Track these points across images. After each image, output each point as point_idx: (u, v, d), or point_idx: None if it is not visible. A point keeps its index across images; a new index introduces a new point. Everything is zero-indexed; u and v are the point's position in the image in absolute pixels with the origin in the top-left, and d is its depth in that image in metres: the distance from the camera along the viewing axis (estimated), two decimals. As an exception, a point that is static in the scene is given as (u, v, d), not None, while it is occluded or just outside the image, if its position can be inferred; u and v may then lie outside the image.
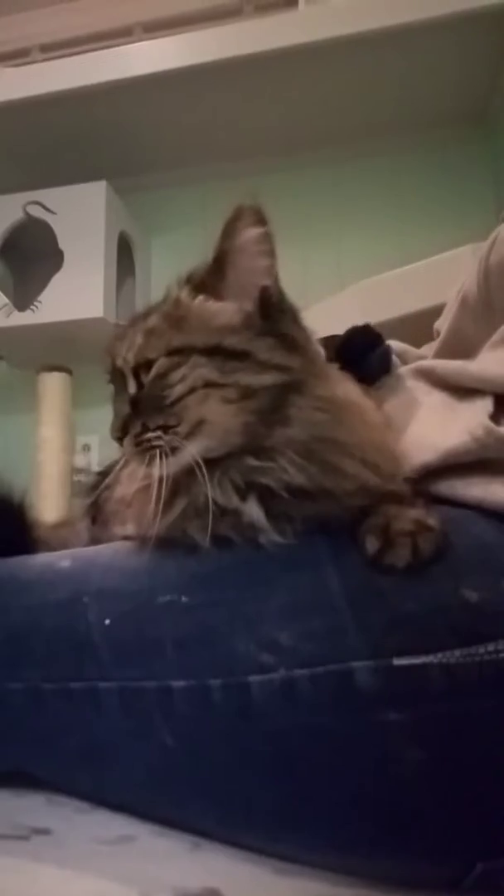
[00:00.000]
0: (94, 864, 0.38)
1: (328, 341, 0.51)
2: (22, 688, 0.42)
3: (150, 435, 0.41)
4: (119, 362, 0.44)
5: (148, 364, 0.42)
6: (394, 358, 0.61)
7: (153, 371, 0.42)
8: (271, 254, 0.42)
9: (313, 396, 0.41)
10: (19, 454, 1.36)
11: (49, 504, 1.26)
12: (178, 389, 0.41)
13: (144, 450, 0.41)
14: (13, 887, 0.37)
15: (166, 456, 0.40)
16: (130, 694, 0.39)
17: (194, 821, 0.41)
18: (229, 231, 0.42)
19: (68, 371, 1.32)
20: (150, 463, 0.41)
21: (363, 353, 0.56)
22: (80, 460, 1.39)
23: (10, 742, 0.45)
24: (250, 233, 0.41)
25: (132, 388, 0.43)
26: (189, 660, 0.38)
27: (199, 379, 0.40)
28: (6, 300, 1.27)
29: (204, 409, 0.40)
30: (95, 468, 1.37)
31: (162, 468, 0.40)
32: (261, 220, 0.42)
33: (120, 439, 0.43)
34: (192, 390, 0.40)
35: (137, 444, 0.41)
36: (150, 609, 0.40)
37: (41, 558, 0.50)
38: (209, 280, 0.43)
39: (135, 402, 0.43)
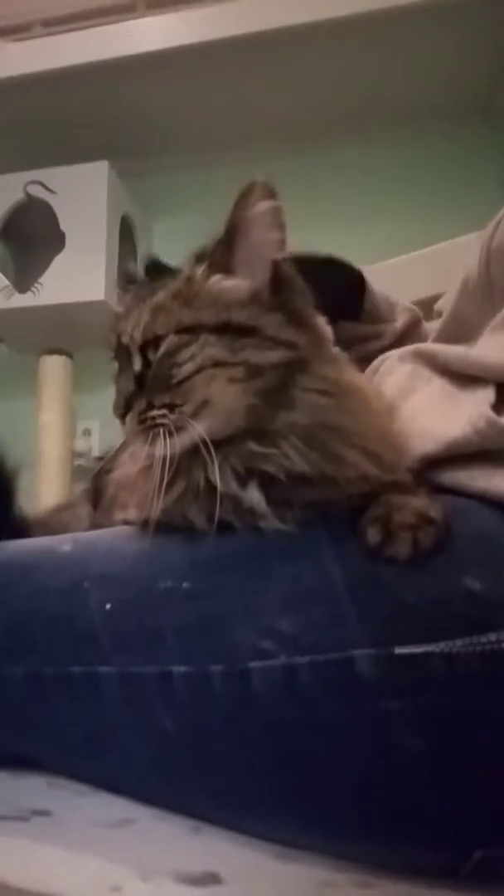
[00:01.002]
0: (94, 847, 0.39)
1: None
2: (22, 673, 0.42)
3: (155, 412, 0.40)
4: (125, 339, 0.43)
5: (156, 341, 0.41)
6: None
7: (162, 348, 0.41)
8: (282, 227, 0.42)
9: (318, 377, 0.41)
10: (19, 439, 1.35)
11: (49, 489, 1.26)
12: (187, 368, 0.40)
13: (148, 427, 0.40)
14: (13, 868, 0.38)
15: (170, 435, 0.40)
16: (131, 680, 0.39)
17: (195, 806, 0.41)
18: (241, 204, 0.41)
19: (69, 355, 1.31)
20: (152, 442, 0.40)
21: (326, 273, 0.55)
22: (80, 445, 1.39)
23: (10, 727, 0.45)
24: (262, 205, 0.41)
25: (138, 365, 0.42)
26: (190, 646, 0.38)
27: (208, 358, 0.40)
28: (6, 282, 1.26)
29: (210, 389, 0.40)
30: (96, 453, 1.37)
31: (165, 447, 0.40)
32: (272, 194, 0.41)
33: (123, 416, 0.42)
34: (200, 369, 0.40)
35: (141, 422, 0.41)
36: (151, 595, 0.40)
37: (42, 542, 0.50)
38: (220, 253, 0.43)
39: (140, 380, 0.42)
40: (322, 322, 0.46)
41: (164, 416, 0.40)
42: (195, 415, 0.40)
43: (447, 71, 1.22)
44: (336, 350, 0.46)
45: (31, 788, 0.45)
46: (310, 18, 1.10)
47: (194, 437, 0.40)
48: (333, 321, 0.49)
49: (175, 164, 1.44)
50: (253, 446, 0.40)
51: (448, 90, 1.27)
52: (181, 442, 0.40)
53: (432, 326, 0.68)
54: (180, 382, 0.40)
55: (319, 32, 1.11)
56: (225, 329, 0.40)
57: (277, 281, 0.42)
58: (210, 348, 0.40)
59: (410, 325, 0.65)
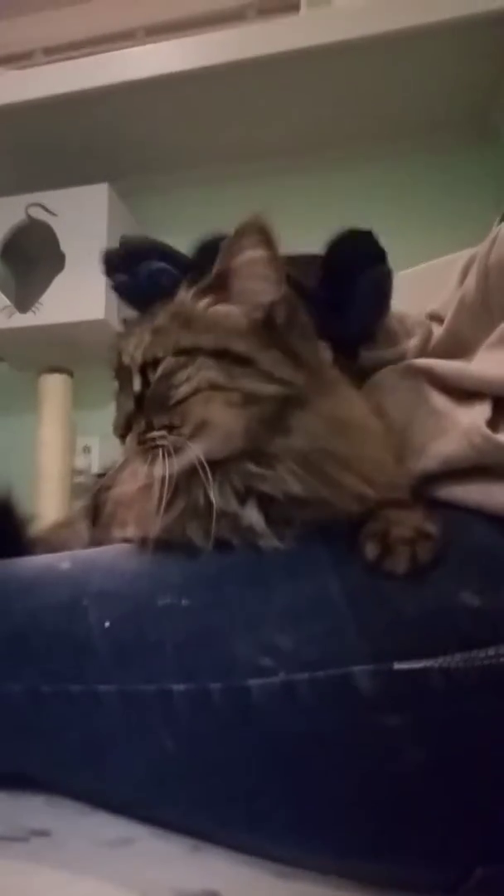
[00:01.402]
0: (94, 866, 0.38)
1: (294, 261, 0.45)
2: (21, 689, 0.42)
3: (154, 434, 0.41)
4: (126, 359, 0.44)
5: (155, 362, 0.42)
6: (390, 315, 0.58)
7: (160, 370, 0.42)
8: (271, 277, 0.42)
9: (315, 413, 0.42)
10: (20, 455, 1.35)
11: (49, 505, 1.26)
12: (184, 390, 0.41)
13: (147, 448, 0.41)
14: (12, 889, 0.37)
15: (169, 455, 0.40)
16: (130, 696, 0.39)
17: (194, 823, 0.41)
18: (232, 249, 0.42)
19: (69, 373, 1.32)
20: (152, 462, 0.41)
21: (351, 273, 0.52)
22: (80, 462, 1.39)
23: (9, 743, 0.45)
24: (250, 255, 0.41)
25: (138, 385, 0.43)
26: (189, 663, 0.38)
27: (205, 381, 0.41)
28: (7, 302, 1.27)
29: (208, 410, 0.40)
30: (96, 470, 1.38)
31: (165, 468, 0.40)
32: (263, 240, 0.41)
33: (123, 436, 0.43)
34: (196, 391, 0.40)
35: (141, 443, 0.42)
36: (150, 612, 0.40)
37: (41, 560, 0.50)
38: (216, 288, 0.44)
39: (139, 400, 0.43)
40: (322, 352, 0.46)
41: (163, 437, 0.41)
42: (193, 435, 0.40)
43: (443, 88, 1.24)
44: (335, 380, 0.46)
45: (31, 808, 0.45)
46: (306, 43, 1.13)
47: (192, 458, 0.40)
48: (353, 350, 0.49)
49: (174, 184, 1.46)
50: (251, 467, 0.41)
51: (444, 107, 1.29)
52: (180, 462, 0.41)
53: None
54: (178, 403, 0.41)
55: (316, 55, 1.14)
56: (223, 355, 0.41)
57: (271, 322, 0.42)
58: (207, 371, 0.41)
59: (425, 342, 0.64)
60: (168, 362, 0.42)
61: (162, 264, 0.50)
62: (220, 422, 0.40)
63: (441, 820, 0.34)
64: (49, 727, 0.42)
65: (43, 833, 0.42)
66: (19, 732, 0.44)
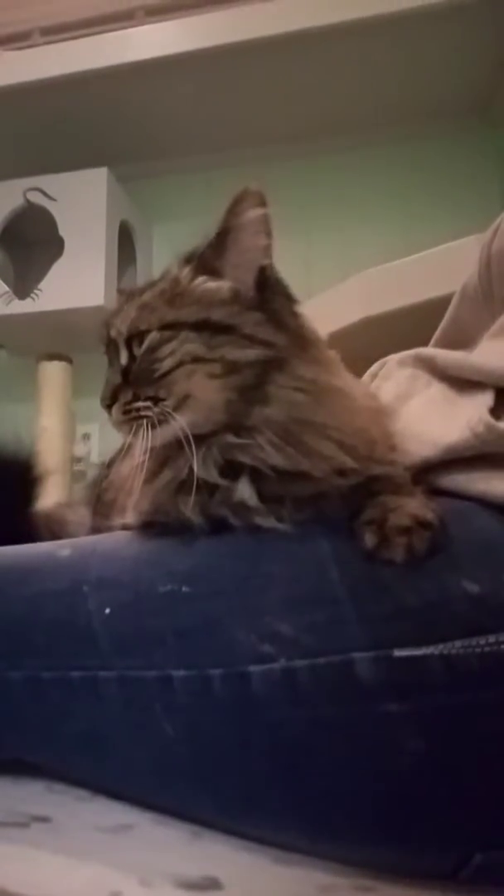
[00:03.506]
0: (94, 852, 0.39)
1: None
2: (22, 677, 0.42)
3: (139, 404, 0.42)
4: (113, 333, 0.45)
5: (140, 336, 0.44)
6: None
7: (145, 344, 0.43)
8: (270, 235, 0.43)
9: (294, 376, 0.42)
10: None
11: (49, 492, 1.26)
12: (168, 363, 0.42)
13: (132, 419, 0.43)
14: (13, 874, 0.38)
15: (153, 427, 0.42)
16: (130, 683, 0.39)
17: (194, 810, 0.41)
18: (234, 209, 0.43)
19: (68, 360, 1.32)
20: (136, 432, 0.42)
21: None
22: (79, 449, 1.39)
23: (10, 731, 0.45)
24: (254, 212, 0.43)
25: (124, 359, 0.45)
26: (189, 649, 0.38)
27: (188, 354, 0.42)
28: (6, 288, 1.27)
29: (190, 383, 0.41)
30: (95, 457, 1.38)
31: (148, 439, 0.42)
32: (263, 202, 0.43)
33: (109, 407, 0.44)
34: (180, 364, 0.42)
35: (125, 412, 0.43)
36: (150, 599, 0.40)
37: (41, 547, 0.50)
38: (208, 255, 0.44)
39: (126, 373, 0.44)
40: (309, 324, 0.46)
41: (147, 407, 0.42)
42: (177, 408, 0.42)
43: (446, 73, 1.23)
44: (329, 354, 0.47)
45: (31, 794, 0.45)
46: (307, 24, 1.11)
47: (176, 430, 0.41)
48: None
49: (174, 169, 1.44)
50: (231, 438, 0.41)
51: (447, 92, 1.28)
52: (163, 434, 0.42)
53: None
54: (162, 376, 0.42)
55: (317, 38, 1.12)
56: (204, 326, 0.42)
57: (261, 284, 0.43)
58: (189, 344, 0.42)
59: None
60: (153, 337, 0.43)
61: None
62: (201, 395, 0.41)
63: (440, 807, 0.35)
64: (49, 714, 0.42)
65: (43, 819, 0.42)
66: (20, 720, 0.44)
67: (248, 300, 0.43)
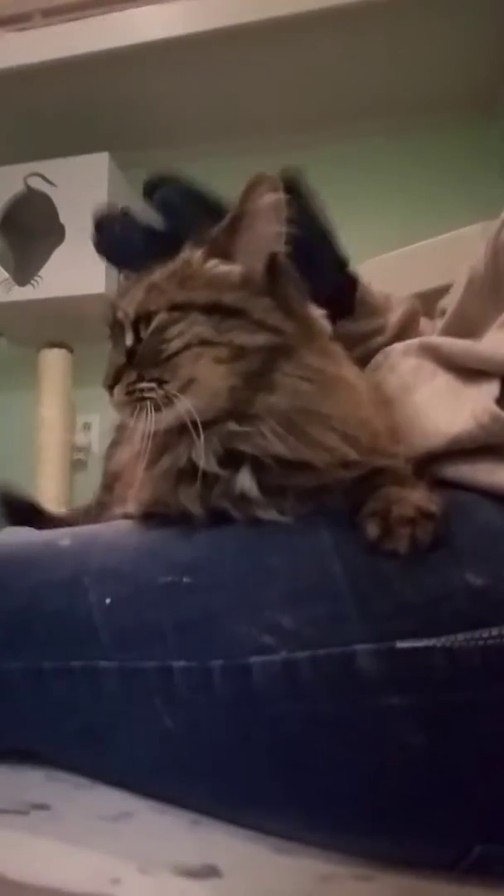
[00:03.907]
0: (93, 840, 0.39)
1: None
2: (22, 667, 0.42)
3: (143, 385, 0.41)
4: (120, 314, 0.45)
5: (148, 317, 0.43)
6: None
7: (153, 324, 0.42)
8: (284, 222, 0.42)
9: (301, 364, 0.41)
10: (19, 432, 1.35)
11: (49, 482, 1.26)
12: (175, 344, 0.41)
13: (135, 399, 0.42)
14: (12, 862, 0.38)
15: (157, 410, 0.41)
16: (130, 674, 0.39)
17: (194, 800, 0.41)
18: (249, 194, 0.42)
19: (69, 348, 1.31)
20: (138, 415, 0.41)
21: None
22: (80, 439, 1.38)
23: (10, 721, 0.45)
24: (269, 198, 0.42)
25: (129, 340, 0.44)
26: (190, 641, 0.38)
27: (196, 336, 0.41)
28: (6, 275, 1.26)
29: (196, 368, 0.41)
30: (96, 448, 1.37)
31: (150, 422, 0.41)
32: (276, 187, 0.42)
33: (111, 388, 0.43)
34: (187, 346, 0.41)
35: (129, 393, 0.42)
36: (151, 590, 0.40)
37: (42, 537, 0.50)
38: (221, 239, 0.43)
39: (131, 354, 0.43)
40: (317, 315, 0.46)
41: (152, 389, 0.41)
42: (181, 391, 0.41)
43: (449, 64, 1.21)
44: (334, 346, 0.46)
45: (31, 782, 0.45)
46: (312, 7, 1.09)
47: (180, 413, 0.40)
48: (332, 319, 0.49)
49: (176, 155, 1.43)
50: (232, 426, 0.41)
51: (451, 82, 1.26)
52: (166, 417, 0.41)
53: (437, 325, 0.67)
54: (169, 358, 0.41)
55: (322, 22, 1.10)
56: (214, 309, 0.41)
57: (272, 270, 0.43)
58: (198, 327, 0.41)
59: (408, 318, 0.64)
60: (161, 317, 0.42)
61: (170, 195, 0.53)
62: (206, 380, 0.41)
63: (441, 799, 0.35)
64: (50, 705, 0.42)
65: (43, 806, 0.42)
66: (21, 710, 0.44)
67: (258, 286, 0.42)
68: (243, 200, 0.42)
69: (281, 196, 0.42)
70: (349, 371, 0.45)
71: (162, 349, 0.41)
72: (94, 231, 0.54)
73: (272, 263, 0.43)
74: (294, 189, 0.51)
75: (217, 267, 0.43)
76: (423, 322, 0.67)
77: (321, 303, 0.48)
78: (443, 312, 0.68)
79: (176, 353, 0.41)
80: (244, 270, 0.43)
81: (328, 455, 0.40)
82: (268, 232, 0.42)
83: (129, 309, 0.44)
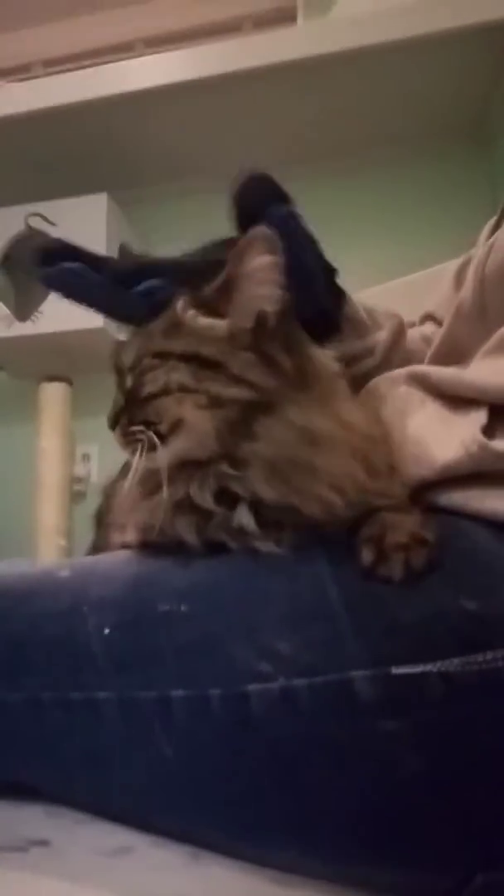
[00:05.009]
0: (93, 876, 0.38)
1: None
2: (21, 697, 0.42)
3: (133, 428, 0.44)
4: (120, 361, 0.47)
5: (139, 363, 0.45)
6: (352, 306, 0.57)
7: (137, 370, 0.45)
8: (276, 282, 0.43)
9: (284, 420, 0.42)
10: (19, 464, 1.36)
11: (49, 513, 1.26)
12: (149, 388, 0.44)
13: (129, 441, 0.44)
14: (12, 900, 0.37)
15: (152, 449, 0.43)
16: (129, 704, 0.39)
17: (194, 830, 0.40)
18: (239, 257, 0.43)
19: (68, 381, 1.33)
20: (134, 454, 0.43)
21: (257, 207, 0.49)
22: (79, 470, 1.39)
23: (9, 751, 0.45)
24: (259, 262, 0.42)
25: (129, 384, 0.46)
26: (188, 669, 0.38)
27: (174, 382, 0.43)
28: (7, 311, 1.28)
29: (182, 409, 0.42)
30: (95, 478, 1.38)
31: (146, 460, 0.43)
32: (272, 248, 0.42)
33: (112, 429, 0.46)
34: (165, 391, 0.43)
35: (124, 435, 0.45)
36: (149, 618, 0.40)
37: (41, 568, 0.50)
38: (213, 299, 0.44)
39: (127, 398, 0.46)
40: (319, 361, 0.46)
41: (141, 431, 0.43)
42: (170, 433, 0.42)
43: (439, 97, 1.25)
44: (337, 389, 0.46)
45: (29, 818, 0.44)
46: (303, 54, 1.14)
47: (175, 452, 0.42)
48: (318, 340, 0.48)
49: (172, 193, 1.47)
50: (225, 468, 0.42)
51: (440, 116, 1.30)
52: (159, 457, 0.42)
53: (423, 330, 0.68)
54: (147, 399, 0.43)
55: (313, 66, 1.15)
56: (192, 359, 0.43)
57: (259, 327, 0.43)
58: (176, 374, 0.43)
59: (397, 336, 0.62)
60: (144, 363, 0.45)
61: (73, 264, 0.50)
62: (193, 422, 0.42)
63: (441, 827, 0.34)
64: (49, 735, 0.42)
65: (42, 843, 0.42)
66: (19, 741, 0.43)
67: (243, 341, 0.43)
68: (233, 263, 0.43)
69: (272, 259, 0.42)
70: (347, 417, 0.44)
71: (141, 392, 0.44)
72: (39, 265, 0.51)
73: (260, 321, 0.43)
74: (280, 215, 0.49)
75: (202, 320, 0.44)
76: (409, 332, 0.65)
77: (306, 320, 0.47)
78: (428, 317, 0.69)
79: (154, 396, 0.43)
80: (230, 326, 0.43)
81: (316, 504, 0.40)
82: (257, 293, 0.43)
83: (126, 357, 0.47)
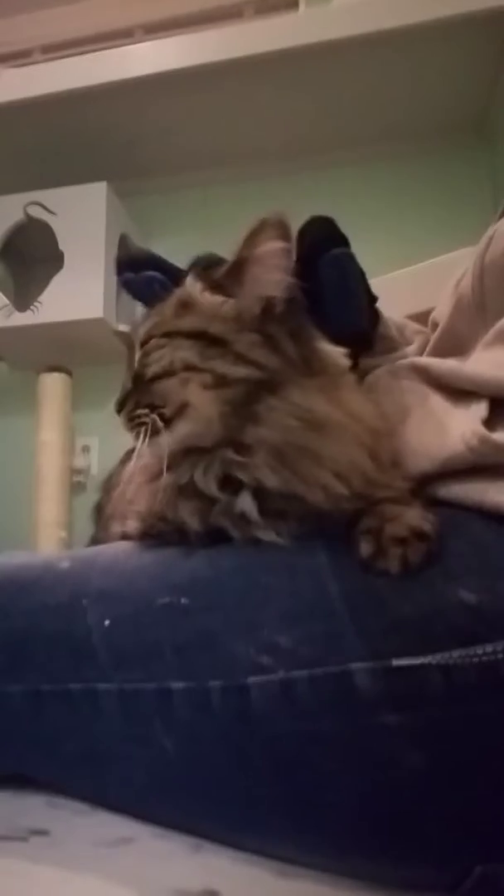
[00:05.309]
0: (94, 866, 0.38)
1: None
2: (21, 690, 0.42)
3: (139, 412, 0.43)
4: (132, 342, 0.47)
5: (148, 343, 0.45)
6: (383, 318, 0.60)
7: (144, 349, 0.45)
8: (286, 268, 0.43)
9: (288, 401, 0.42)
10: (19, 456, 1.36)
11: (48, 506, 1.26)
12: (154, 368, 0.43)
13: (135, 424, 0.44)
14: (12, 889, 0.37)
15: (153, 434, 0.42)
16: (129, 696, 0.39)
17: (194, 823, 0.41)
18: (251, 241, 0.43)
19: (68, 372, 1.32)
20: (138, 438, 0.43)
21: (314, 253, 0.53)
22: (79, 462, 1.39)
23: (10, 745, 0.45)
24: (270, 246, 0.42)
25: (136, 364, 0.46)
26: (188, 662, 0.38)
27: (179, 360, 0.42)
28: (6, 301, 1.27)
29: (187, 392, 0.42)
30: (95, 470, 1.38)
31: (151, 445, 0.42)
32: (284, 234, 0.42)
33: (119, 412, 0.46)
34: (170, 372, 0.42)
35: (130, 419, 0.44)
36: (149, 611, 0.40)
37: (41, 559, 0.50)
38: (223, 279, 0.45)
39: (134, 380, 0.45)
40: (324, 353, 0.46)
41: (146, 414, 0.43)
42: (175, 416, 0.42)
43: (440, 90, 1.24)
44: (344, 382, 0.46)
45: (30, 808, 0.45)
46: (305, 41, 1.13)
47: (179, 437, 0.42)
48: (354, 357, 0.50)
49: (172, 183, 1.46)
50: (230, 455, 0.42)
51: (442, 108, 1.29)
52: (163, 442, 0.42)
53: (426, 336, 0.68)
54: (151, 381, 0.43)
55: (315, 54, 1.13)
56: (199, 336, 0.43)
57: (266, 311, 0.43)
58: (182, 352, 0.43)
59: (423, 350, 0.63)
60: (151, 343, 0.44)
61: (156, 273, 0.54)
62: (199, 405, 0.42)
63: (440, 820, 0.34)
64: (49, 728, 0.42)
65: (42, 833, 0.42)
66: (20, 734, 0.44)
67: (249, 323, 0.43)
68: (245, 246, 0.43)
69: (284, 245, 0.42)
70: (354, 407, 0.44)
71: (146, 373, 0.43)
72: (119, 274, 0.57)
73: (268, 305, 0.43)
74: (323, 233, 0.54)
75: (211, 298, 0.44)
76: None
77: (343, 341, 0.49)
78: (435, 324, 0.69)
79: (158, 377, 0.43)
80: (238, 306, 0.43)
81: (321, 492, 0.40)
82: (266, 278, 0.43)
83: (140, 336, 0.46)
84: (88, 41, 1.53)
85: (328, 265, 0.54)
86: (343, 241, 0.56)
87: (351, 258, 0.56)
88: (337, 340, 0.48)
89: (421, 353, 0.62)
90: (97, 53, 1.25)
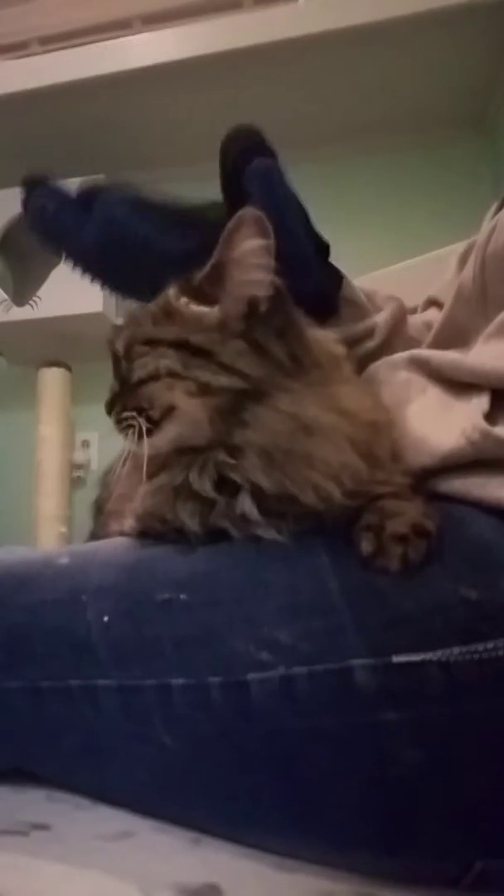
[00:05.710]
0: (94, 861, 0.38)
1: None
2: (21, 687, 0.42)
3: (126, 414, 0.44)
4: (114, 346, 0.47)
5: (130, 349, 0.46)
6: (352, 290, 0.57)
7: (129, 355, 0.45)
8: (267, 267, 0.42)
9: (274, 408, 0.41)
10: (19, 451, 1.36)
11: (48, 500, 1.26)
12: (139, 373, 0.44)
13: (123, 427, 0.44)
14: (12, 883, 0.37)
15: (141, 436, 0.43)
16: (129, 692, 0.39)
17: (194, 818, 0.41)
18: (229, 241, 0.42)
19: (67, 367, 1.32)
20: (129, 440, 0.44)
21: (242, 159, 0.50)
22: (79, 456, 1.39)
23: (10, 741, 0.45)
24: (249, 245, 0.41)
25: (122, 370, 0.46)
26: (188, 658, 0.38)
27: (163, 368, 0.43)
28: (5, 296, 1.27)
29: (173, 396, 0.42)
30: (95, 465, 1.38)
31: (141, 446, 0.43)
32: (262, 231, 0.41)
33: (109, 414, 0.46)
34: (154, 377, 0.43)
35: (118, 422, 0.45)
36: (148, 607, 0.40)
37: (40, 555, 0.50)
38: (204, 285, 0.44)
39: (121, 384, 0.46)
40: (314, 347, 0.45)
41: (133, 417, 0.43)
42: (162, 419, 0.43)
43: (441, 83, 1.23)
44: (339, 373, 0.45)
45: (31, 802, 0.45)
46: (304, 31, 1.12)
47: (165, 440, 0.43)
48: (317, 322, 0.48)
49: (170, 177, 1.45)
50: (222, 456, 0.42)
51: (441, 100, 1.28)
52: (153, 443, 0.43)
53: (425, 316, 0.67)
54: (137, 385, 0.44)
55: (314, 45, 1.13)
56: (182, 346, 0.43)
57: (249, 314, 0.43)
58: (165, 360, 0.43)
59: (398, 319, 0.61)
60: (135, 350, 0.45)
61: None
62: (186, 408, 0.42)
63: (440, 816, 0.35)
64: (49, 724, 0.42)
65: (43, 827, 0.42)
66: (19, 730, 0.44)
67: (234, 329, 0.42)
68: (223, 247, 0.42)
69: (262, 242, 0.41)
70: (347, 403, 0.43)
71: (131, 377, 0.44)
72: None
73: (251, 308, 0.42)
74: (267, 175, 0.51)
75: (193, 307, 0.44)
76: (409, 318, 0.65)
77: (302, 302, 0.46)
78: (431, 302, 0.68)
79: (143, 382, 0.43)
80: (220, 314, 0.43)
81: (312, 493, 0.40)
82: (247, 279, 0.42)
83: (118, 343, 0.47)
84: (86, 32, 1.51)
85: (253, 179, 0.50)
86: (270, 153, 0.52)
87: (280, 174, 0.52)
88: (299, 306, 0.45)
89: (393, 321, 0.60)
90: (95, 45, 1.25)
